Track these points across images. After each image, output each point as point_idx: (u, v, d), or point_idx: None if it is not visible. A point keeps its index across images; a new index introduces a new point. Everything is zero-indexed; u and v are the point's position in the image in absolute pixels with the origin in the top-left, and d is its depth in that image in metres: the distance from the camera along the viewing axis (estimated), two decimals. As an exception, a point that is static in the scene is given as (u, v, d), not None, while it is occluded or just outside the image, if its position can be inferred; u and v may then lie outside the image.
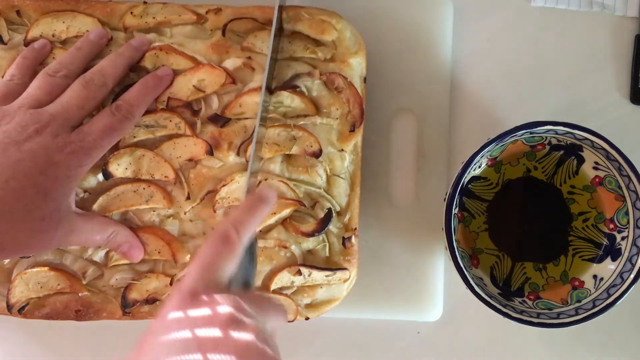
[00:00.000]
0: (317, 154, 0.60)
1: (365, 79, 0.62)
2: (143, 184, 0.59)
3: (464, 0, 0.71)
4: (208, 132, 0.60)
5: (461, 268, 0.58)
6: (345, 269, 0.60)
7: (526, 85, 0.70)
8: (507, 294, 0.63)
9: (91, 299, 0.59)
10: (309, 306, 0.61)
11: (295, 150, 0.60)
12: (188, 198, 0.60)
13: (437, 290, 0.67)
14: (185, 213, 0.60)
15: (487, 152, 0.60)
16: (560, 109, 0.69)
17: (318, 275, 0.60)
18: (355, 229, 0.61)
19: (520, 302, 0.62)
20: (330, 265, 0.61)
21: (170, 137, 0.60)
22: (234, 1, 0.63)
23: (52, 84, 0.56)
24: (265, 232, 0.60)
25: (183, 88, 0.59)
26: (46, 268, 0.59)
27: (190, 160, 0.60)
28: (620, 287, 0.59)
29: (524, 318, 0.58)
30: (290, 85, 0.61)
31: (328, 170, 0.61)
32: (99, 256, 0.60)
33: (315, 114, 0.61)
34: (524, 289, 0.64)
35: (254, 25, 0.62)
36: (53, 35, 0.61)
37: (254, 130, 0.58)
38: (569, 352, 0.68)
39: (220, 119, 0.60)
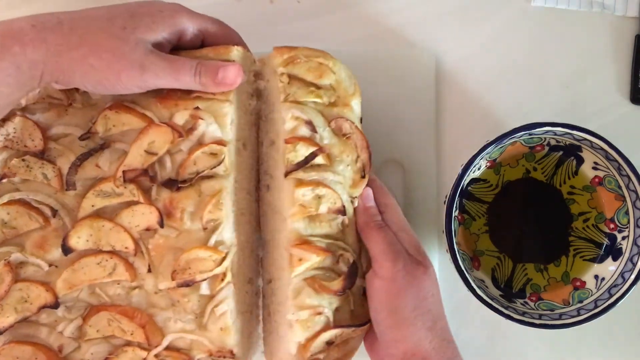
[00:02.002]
0: (342, 211, 0.57)
1: (361, 120, 0.60)
2: (106, 256, 0.56)
3: (464, 1, 0.71)
4: (162, 198, 0.55)
5: (462, 271, 0.58)
6: (367, 320, 0.57)
7: (526, 86, 0.70)
8: (508, 295, 0.63)
9: None
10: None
11: (322, 209, 0.56)
12: (149, 270, 0.56)
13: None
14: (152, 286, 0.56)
15: (487, 154, 0.60)
16: (560, 109, 0.70)
17: (347, 331, 0.56)
18: None
19: (522, 304, 0.63)
20: (356, 317, 0.57)
21: (129, 205, 0.56)
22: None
23: None
24: (295, 295, 0.55)
25: (136, 156, 0.55)
26: (22, 343, 0.56)
27: (147, 229, 0.56)
28: (621, 287, 0.59)
29: (526, 319, 0.59)
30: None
31: (347, 221, 0.57)
32: (70, 330, 0.56)
33: (330, 164, 0.57)
34: (526, 290, 0.64)
35: None
36: None
37: None
38: (569, 351, 0.68)
39: (174, 184, 0.55)
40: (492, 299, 0.59)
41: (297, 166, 0.56)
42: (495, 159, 0.64)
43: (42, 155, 0.56)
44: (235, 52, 0.57)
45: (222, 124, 0.56)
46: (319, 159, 0.56)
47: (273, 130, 0.59)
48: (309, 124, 0.56)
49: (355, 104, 0.59)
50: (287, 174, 0.56)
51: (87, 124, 0.57)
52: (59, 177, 0.56)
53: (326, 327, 0.55)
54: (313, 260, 0.55)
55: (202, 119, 0.55)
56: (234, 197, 0.57)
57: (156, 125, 0.55)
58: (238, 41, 0.58)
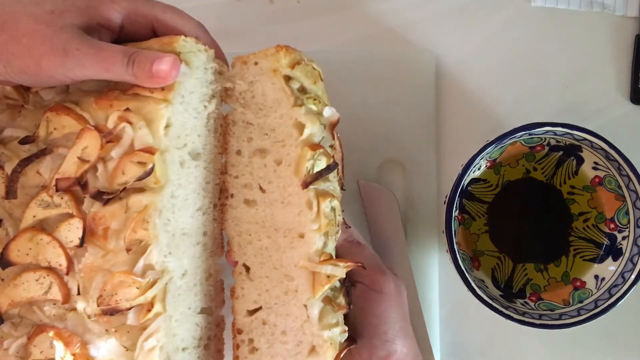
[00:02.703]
0: (346, 224, 0.55)
1: None
2: (43, 272, 0.50)
3: (464, 1, 0.71)
4: (90, 213, 0.49)
5: (462, 271, 0.58)
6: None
7: (526, 86, 0.70)
8: (508, 295, 0.63)
9: None
10: None
11: (338, 220, 0.53)
12: (79, 293, 0.49)
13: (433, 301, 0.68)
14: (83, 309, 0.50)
15: (487, 154, 0.60)
16: (560, 109, 0.69)
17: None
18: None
19: (522, 304, 0.63)
20: None
21: (68, 217, 0.50)
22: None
23: None
24: (321, 317, 0.51)
25: (71, 164, 0.49)
26: None
27: (78, 246, 0.49)
28: (621, 287, 0.59)
29: (526, 320, 0.58)
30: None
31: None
32: (14, 349, 0.51)
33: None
34: (526, 290, 0.64)
35: None
36: None
37: None
38: (569, 351, 0.68)
39: (100, 197, 0.48)
40: (492, 299, 0.59)
41: (318, 175, 0.51)
42: (495, 159, 0.64)
43: None
44: (182, 42, 0.50)
45: (153, 128, 0.49)
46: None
47: (267, 138, 0.53)
48: (328, 129, 0.53)
49: None
50: (307, 184, 0.51)
51: (36, 127, 0.52)
52: (5, 183, 0.51)
53: (341, 348, 0.52)
54: (341, 275, 0.51)
55: (129, 122, 0.48)
56: (171, 215, 0.51)
57: (89, 129, 0.49)
58: (195, 33, 0.53)
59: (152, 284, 0.48)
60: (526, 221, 0.65)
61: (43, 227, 0.51)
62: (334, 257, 0.52)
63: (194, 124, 0.53)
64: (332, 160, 0.52)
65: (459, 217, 0.64)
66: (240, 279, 0.54)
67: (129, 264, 0.48)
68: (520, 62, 0.71)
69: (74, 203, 0.49)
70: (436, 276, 0.68)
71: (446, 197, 0.61)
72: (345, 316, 0.53)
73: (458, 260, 0.58)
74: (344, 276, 0.51)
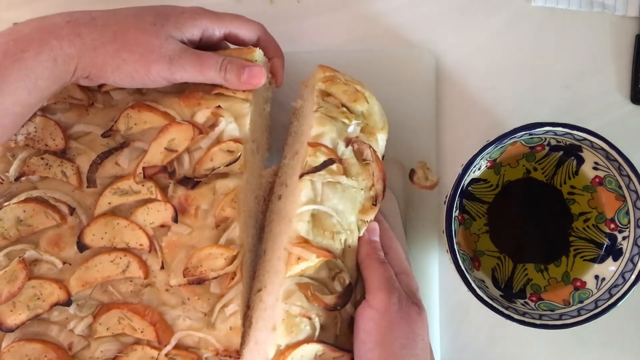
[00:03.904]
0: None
1: (383, 157, 0.60)
2: (120, 254, 0.57)
3: (464, 1, 0.71)
4: (177, 196, 0.57)
5: (462, 271, 0.58)
6: (350, 351, 0.54)
7: (526, 86, 0.70)
8: (509, 295, 0.63)
9: None
10: None
11: (343, 221, 0.56)
12: (162, 267, 0.57)
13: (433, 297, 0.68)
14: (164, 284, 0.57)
15: (487, 154, 0.60)
16: (560, 109, 0.70)
17: (329, 354, 0.54)
18: None
19: (522, 304, 0.62)
20: (339, 344, 0.55)
21: (144, 202, 0.57)
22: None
23: None
24: (287, 296, 0.53)
25: (156, 153, 0.57)
26: (32, 341, 0.56)
27: (162, 226, 0.57)
28: (622, 287, 0.59)
29: (527, 320, 0.59)
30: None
31: (348, 241, 0.56)
32: (80, 328, 0.57)
33: (343, 175, 0.57)
34: (526, 291, 0.64)
35: None
36: None
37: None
38: (569, 351, 0.68)
39: (189, 182, 0.56)
40: (492, 299, 0.59)
41: (314, 169, 0.55)
42: (496, 159, 0.64)
43: (62, 154, 0.58)
44: (257, 53, 0.59)
45: (241, 123, 0.57)
46: (335, 169, 0.56)
47: (299, 141, 0.60)
48: (334, 135, 0.56)
49: (381, 139, 0.59)
50: (302, 175, 0.55)
51: (108, 123, 0.58)
52: (77, 175, 0.58)
53: (309, 340, 0.53)
54: (312, 261, 0.53)
55: (222, 116, 0.57)
56: (245, 198, 0.58)
57: (177, 123, 0.57)
58: (257, 34, 0.60)
59: (235, 256, 0.56)
60: (526, 221, 0.65)
61: (115, 213, 0.57)
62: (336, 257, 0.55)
63: (259, 123, 0.62)
64: (330, 157, 0.56)
65: (459, 217, 0.64)
66: (260, 261, 0.62)
67: (212, 239, 0.56)
68: (520, 62, 0.71)
69: (159, 189, 0.56)
70: (436, 276, 0.68)
71: (446, 197, 0.61)
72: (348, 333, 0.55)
73: (458, 260, 0.58)
74: (314, 261, 0.53)
